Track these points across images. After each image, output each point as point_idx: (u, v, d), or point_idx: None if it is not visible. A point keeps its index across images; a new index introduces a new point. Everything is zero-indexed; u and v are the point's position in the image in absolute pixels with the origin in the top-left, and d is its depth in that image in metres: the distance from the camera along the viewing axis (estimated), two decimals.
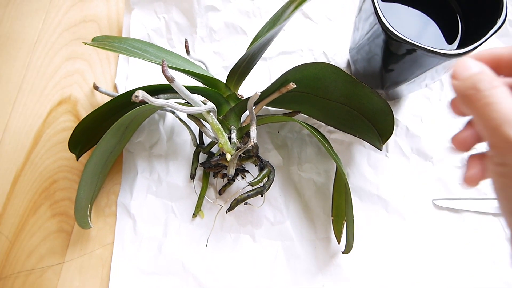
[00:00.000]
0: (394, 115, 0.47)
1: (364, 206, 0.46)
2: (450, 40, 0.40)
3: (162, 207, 0.46)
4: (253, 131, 0.39)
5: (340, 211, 0.43)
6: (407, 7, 0.41)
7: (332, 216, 0.44)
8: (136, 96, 0.32)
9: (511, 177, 0.22)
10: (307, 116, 0.47)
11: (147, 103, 0.35)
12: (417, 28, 0.40)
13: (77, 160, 0.46)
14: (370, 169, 0.47)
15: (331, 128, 0.48)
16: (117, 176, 0.48)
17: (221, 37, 0.52)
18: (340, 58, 0.50)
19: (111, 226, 0.46)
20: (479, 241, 0.43)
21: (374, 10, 0.34)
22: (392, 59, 0.38)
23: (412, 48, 0.34)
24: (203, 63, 0.49)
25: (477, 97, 0.23)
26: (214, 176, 0.46)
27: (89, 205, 0.43)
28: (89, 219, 0.43)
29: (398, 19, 0.40)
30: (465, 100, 0.24)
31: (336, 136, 0.48)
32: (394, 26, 0.35)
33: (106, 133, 0.39)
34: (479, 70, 0.24)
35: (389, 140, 0.47)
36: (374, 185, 0.46)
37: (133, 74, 0.51)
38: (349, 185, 0.46)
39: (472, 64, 0.24)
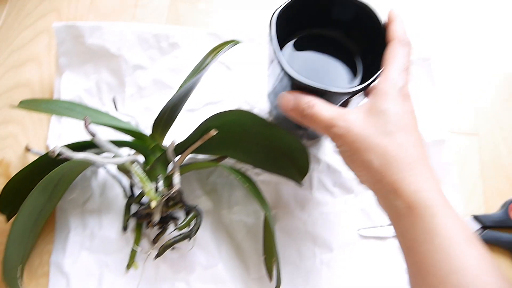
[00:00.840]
0: (316, 153, 0.51)
1: (294, 242, 0.47)
2: (354, 76, 0.43)
3: (96, 262, 0.46)
4: (176, 178, 0.41)
5: (270, 249, 0.45)
6: (315, 52, 0.45)
7: (263, 255, 0.46)
8: (52, 152, 0.34)
9: (343, 152, 0.35)
10: (234, 160, 0.50)
11: (69, 159, 0.37)
12: (325, 69, 0.44)
13: (7, 221, 0.47)
14: (297, 206, 0.49)
15: (258, 170, 0.50)
16: (50, 235, 0.48)
17: (150, 93, 0.55)
18: (262, 104, 0.54)
19: (44, 287, 0.45)
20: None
21: (276, 57, 0.37)
22: None
23: (314, 89, 0.37)
24: (133, 118, 0.51)
25: (306, 117, 0.35)
26: (147, 227, 0.47)
27: (20, 266, 0.43)
28: (19, 281, 0.43)
29: (307, 63, 0.44)
30: (301, 120, 0.36)
31: (263, 178, 0.50)
32: (304, 70, 0.39)
33: (31, 191, 0.40)
34: (294, 100, 0.36)
35: (313, 177, 0.50)
36: (301, 221, 0.48)
37: (65, 134, 0.53)
38: (279, 223, 0.48)
39: (289, 97, 0.37)
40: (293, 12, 0.41)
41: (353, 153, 0.34)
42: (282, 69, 0.37)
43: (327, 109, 0.35)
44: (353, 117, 0.34)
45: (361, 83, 0.41)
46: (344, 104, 0.41)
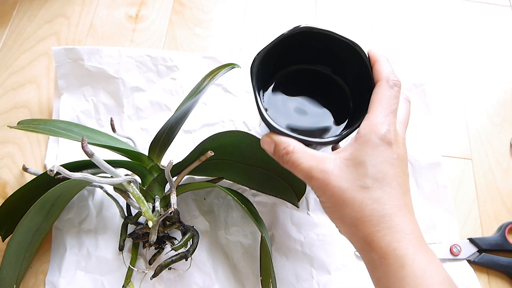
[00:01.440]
0: None
1: (291, 263, 0.47)
2: (343, 115, 0.42)
3: (91, 282, 0.46)
4: (173, 198, 0.42)
5: (267, 270, 0.44)
6: (303, 88, 0.43)
7: (260, 276, 0.46)
8: (51, 171, 0.34)
9: (323, 203, 0.35)
10: (231, 182, 0.50)
11: (67, 178, 0.37)
12: (312, 107, 0.42)
13: (3, 241, 0.46)
14: (294, 227, 0.49)
15: (255, 191, 0.50)
16: (46, 254, 0.48)
17: (148, 115, 0.55)
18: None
19: None
20: None
21: (256, 104, 0.37)
22: None
23: (292, 137, 0.35)
24: (131, 139, 0.52)
25: (286, 164, 0.35)
26: (144, 247, 0.47)
27: (15, 285, 0.43)
28: None
29: (294, 101, 0.43)
30: (283, 164, 0.35)
31: (260, 199, 0.50)
32: (289, 109, 0.40)
33: (28, 210, 0.40)
34: (274, 145, 0.35)
35: (309, 199, 0.50)
36: (298, 243, 0.48)
37: (63, 154, 0.53)
38: (275, 244, 0.48)
39: (269, 141, 0.36)
40: (278, 51, 0.39)
41: (331, 205, 0.34)
42: (260, 114, 0.36)
43: (305, 157, 0.34)
44: (331, 167, 0.34)
45: (350, 120, 0.41)
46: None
